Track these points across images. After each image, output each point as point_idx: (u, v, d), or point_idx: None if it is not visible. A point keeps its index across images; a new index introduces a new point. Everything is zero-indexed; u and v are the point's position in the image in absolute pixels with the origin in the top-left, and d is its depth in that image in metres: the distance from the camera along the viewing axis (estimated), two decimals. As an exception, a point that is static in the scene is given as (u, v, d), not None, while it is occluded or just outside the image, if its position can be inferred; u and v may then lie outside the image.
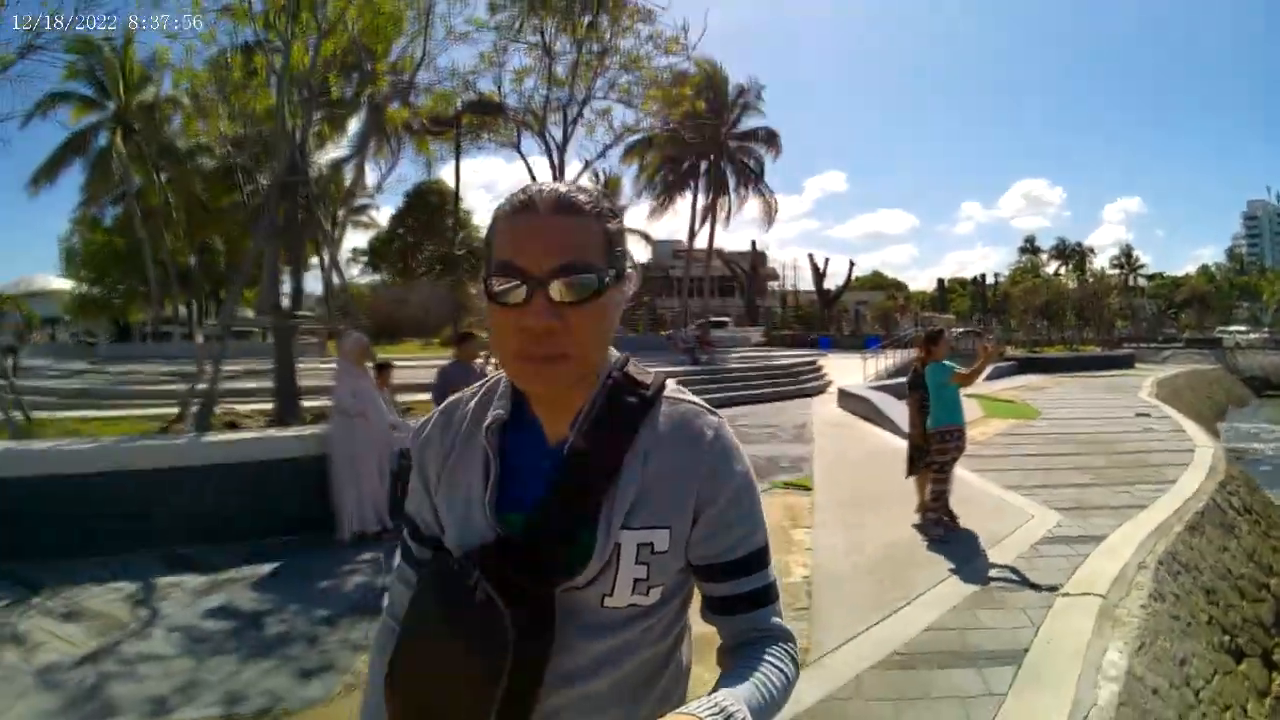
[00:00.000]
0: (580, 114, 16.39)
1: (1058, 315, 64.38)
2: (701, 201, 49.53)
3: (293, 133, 12.77)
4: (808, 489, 11.35)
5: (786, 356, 36.56)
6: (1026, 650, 5.68)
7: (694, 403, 1.58)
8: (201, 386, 11.35)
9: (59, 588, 7.52)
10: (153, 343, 37.29)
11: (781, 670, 1.43)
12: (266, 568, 8.21)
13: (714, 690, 1.33)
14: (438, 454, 1.62)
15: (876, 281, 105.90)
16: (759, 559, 1.55)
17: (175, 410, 11.86)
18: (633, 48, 16.41)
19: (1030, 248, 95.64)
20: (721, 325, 52.87)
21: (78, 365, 27.75)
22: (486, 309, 1.43)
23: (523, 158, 19.92)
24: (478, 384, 1.69)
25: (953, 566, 7.67)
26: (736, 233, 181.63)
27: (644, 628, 1.51)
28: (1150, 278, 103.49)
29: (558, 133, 16.70)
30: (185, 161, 38.24)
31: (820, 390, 28.37)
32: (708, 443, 1.51)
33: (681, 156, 42.77)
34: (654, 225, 59.01)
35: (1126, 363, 44.38)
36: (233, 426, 11.05)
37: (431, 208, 57.11)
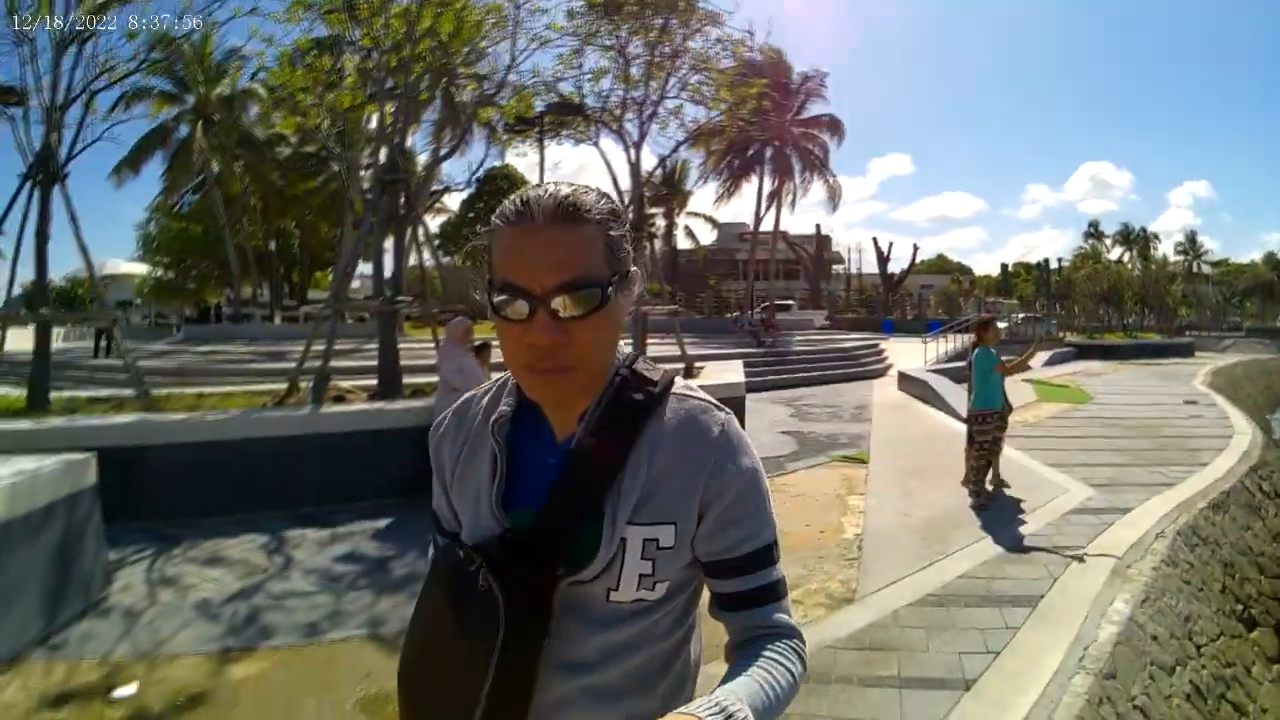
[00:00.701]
0: (655, 112, 17.24)
1: (1119, 302, 63.95)
2: (767, 187, 49.98)
3: (391, 136, 13.91)
4: (864, 462, 12.30)
5: (849, 339, 37.20)
6: (1042, 597, 6.57)
7: (702, 399, 1.60)
8: (313, 363, 12.48)
9: (198, 541, 8.49)
10: (230, 324, 38.36)
11: (786, 668, 1.45)
12: (383, 523, 9.21)
13: (717, 689, 1.36)
14: (452, 450, 1.66)
15: (941, 265, 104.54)
16: (766, 556, 1.56)
17: (280, 386, 12.98)
18: (702, 48, 17.26)
19: (1094, 232, 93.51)
20: (786, 309, 52.18)
21: (158, 346, 28.76)
22: (493, 318, 1.46)
23: (601, 154, 20.78)
24: (490, 382, 1.73)
25: (989, 529, 8.57)
26: (802, 216, 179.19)
27: (651, 621, 1.53)
28: (1216, 264, 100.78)
29: (633, 129, 17.51)
30: (264, 151, 39.36)
31: (881, 373, 29.13)
32: (714, 438, 1.53)
33: (747, 143, 43.16)
34: (720, 209, 58.99)
35: (1186, 351, 44.42)
36: (340, 400, 12.04)
37: (501, 193, 56.50)
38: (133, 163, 38.60)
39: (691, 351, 19.87)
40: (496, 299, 1.39)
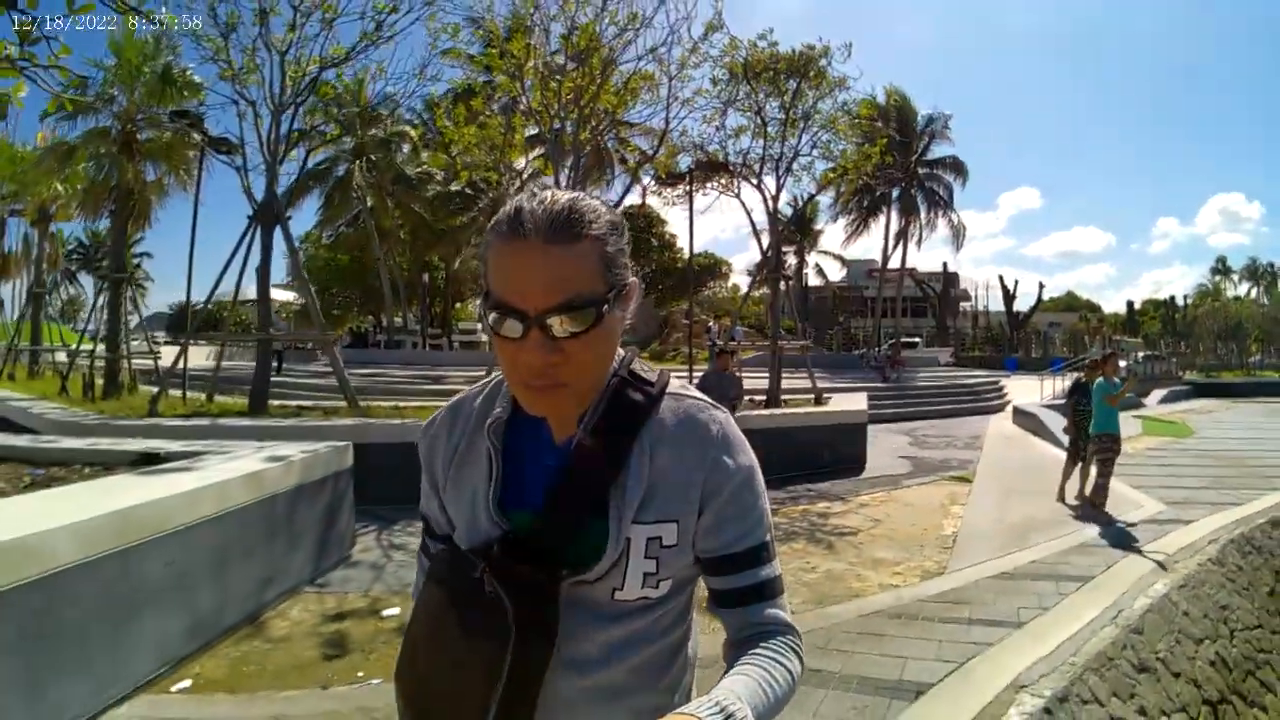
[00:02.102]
0: (790, 168, 19.23)
1: (1240, 339, 63.33)
2: (894, 225, 51.50)
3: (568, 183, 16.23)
4: (969, 481, 14.13)
5: (971, 377, 38.51)
6: (1094, 577, 8.29)
7: (698, 399, 1.61)
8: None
9: (413, 520, 10.39)
10: (383, 350, 40.83)
11: (785, 666, 1.47)
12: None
13: (715, 687, 1.35)
14: (445, 453, 1.65)
15: (1070, 303, 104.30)
16: (762, 552, 1.57)
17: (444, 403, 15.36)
18: (831, 109, 19.22)
19: (1221, 268, 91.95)
20: (912, 346, 54.11)
21: (317, 367, 31.04)
22: (489, 333, 1.44)
23: (742, 204, 22.69)
24: (482, 383, 1.72)
25: (1063, 532, 10.30)
26: (930, 253, 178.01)
27: (653, 618, 1.55)
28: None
29: (770, 182, 19.51)
30: (417, 188, 42.17)
31: (1000, 408, 30.28)
32: (713, 436, 1.55)
33: (874, 185, 44.86)
34: (849, 248, 60.48)
35: None
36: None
37: (636, 230, 58.18)
38: (293, 198, 41.63)
39: (820, 385, 22.08)
40: (490, 317, 1.38)
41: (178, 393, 17.64)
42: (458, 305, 58.11)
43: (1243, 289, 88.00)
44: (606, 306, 1.39)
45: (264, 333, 16.22)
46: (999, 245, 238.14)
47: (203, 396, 17.56)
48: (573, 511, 1.49)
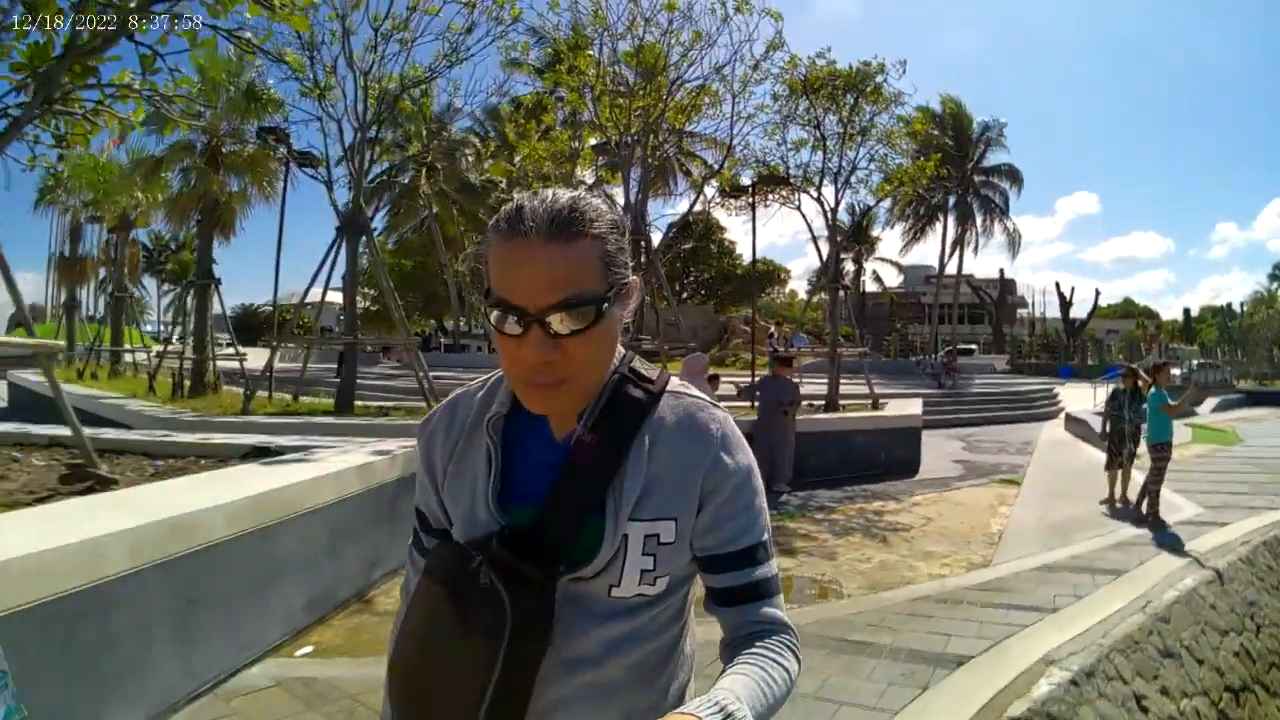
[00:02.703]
0: (848, 181, 20.02)
1: None
2: (950, 233, 51.97)
3: (636, 202, 17.12)
4: (1018, 484, 14.79)
5: (1026, 384, 38.77)
6: (1127, 571, 8.98)
7: (698, 397, 1.64)
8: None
9: None
10: (446, 353, 41.83)
11: (781, 665, 1.49)
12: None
13: (713, 687, 1.36)
14: (444, 448, 1.67)
15: (1127, 310, 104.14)
16: (759, 551, 1.59)
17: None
18: (888, 122, 19.98)
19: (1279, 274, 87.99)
20: (968, 353, 54.73)
21: (383, 369, 32.03)
22: (490, 330, 1.47)
23: (802, 215, 23.57)
24: (482, 379, 1.73)
25: (1103, 531, 11.03)
26: (987, 260, 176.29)
27: (650, 615, 1.57)
28: None
29: (828, 193, 20.32)
30: (482, 195, 43.17)
31: (1053, 415, 30.71)
32: (712, 434, 1.57)
33: (930, 193, 45.32)
34: (906, 255, 60.91)
35: None
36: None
37: (695, 237, 59.65)
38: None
39: (877, 390, 22.83)
40: (492, 314, 1.40)
41: (263, 392, 18.61)
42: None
43: None
44: (606, 305, 1.42)
45: (350, 336, 17.23)
46: (1056, 251, 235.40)
47: (288, 396, 18.59)
48: (572, 507, 1.51)
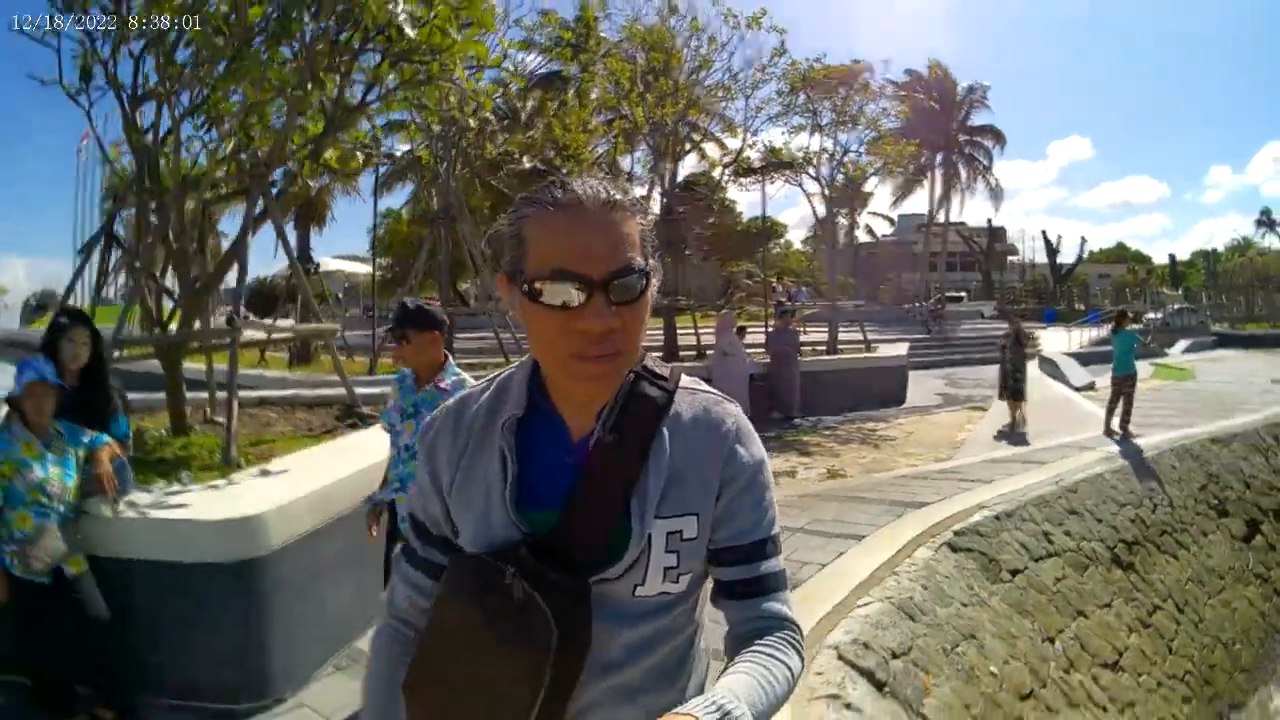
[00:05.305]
0: (841, 162, 23.45)
1: (1265, 291, 65.21)
2: (938, 190, 55.08)
3: (665, 179, 20.45)
4: (984, 410, 18.38)
5: (1008, 328, 41.60)
6: (1050, 462, 12.19)
7: (712, 393, 1.66)
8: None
9: None
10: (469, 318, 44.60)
11: (784, 662, 1.50)
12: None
13: (714, 687, 1.38)
14: (450, 453, 1.64)
15: (1119, 254, 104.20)
16: (769, 545, 1.62)
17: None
18: (875, 112, 23.38)
19: (1265, 220, 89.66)
20: (957, 300, 57.26)
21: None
22: (523, 308, 1.47)
23: (803, 191, 26.46)
24: (485, 380, 1.74)
25: (1046, 441, 14.34)
26: (980, 206, 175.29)
27: (672, 615, 1.59)
28: None
29: (825, 171, 23.93)
30: (501, 166, 45.73)
31: (1032, 357, 33.79)
32: (727, 429, 1.60)
33: (919, 150, 47.49)
34: (896, 210, 63.72)
35: None
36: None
37: (695, 199, 60.75)
38: (388, 184, 45.56)
39: (871, 336, 27.03)
40: (546, 285, 1.40)
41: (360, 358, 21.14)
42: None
43: None
44: (650, 276, 1.47)
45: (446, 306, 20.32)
46: (1051, 196, 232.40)
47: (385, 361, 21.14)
48: (596, 509, 1.51)
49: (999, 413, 17.11)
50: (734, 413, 1.65)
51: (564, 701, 1.46)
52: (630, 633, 1.54)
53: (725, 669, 1.48)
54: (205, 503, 5.34)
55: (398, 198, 50.51)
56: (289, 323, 16.02)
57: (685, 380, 1.67)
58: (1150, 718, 8.93)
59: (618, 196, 1.46)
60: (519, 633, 1.42)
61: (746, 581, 1.60)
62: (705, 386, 1.68)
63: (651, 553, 1.52)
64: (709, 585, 1.68)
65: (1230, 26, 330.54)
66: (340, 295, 58.82)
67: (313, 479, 5.82)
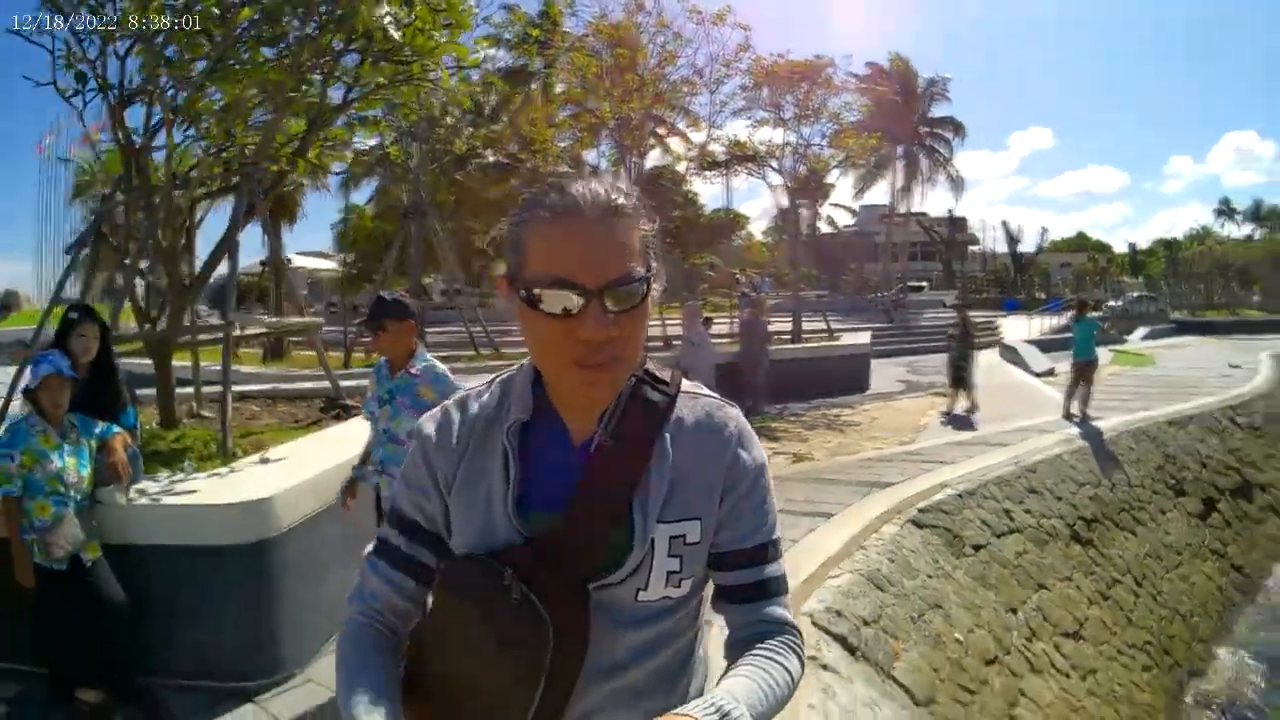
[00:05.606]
0: (804, 155, 23.71)
1: (1225, 280, 65.90)
2: (899, 181, 55.62)
3: (630, 174, 20.65)
4: (946, 395, 18.30)
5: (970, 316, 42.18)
6: (1010, 445, 12.56)
7: (713, 397, 1.64)
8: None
9: None
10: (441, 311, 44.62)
11: (784, 666, 1.50)
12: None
13: (714, 689, 1.39)
14: (449, 453, 1.60)
15: (1080, 243, 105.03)
16: (770, 549, 1.60)
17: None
18: (837, 106, 23.50)
19: (1225, 209, 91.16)
20: (919, 290, 57.95)
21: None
22: (522, 314, 1.45)
23: (766, 183, 26.83)
24: (485, 382, 1.70)
25: (1006, 425, 14.65)
26: (942, 197, 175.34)
27: (673, 620, 1.57)
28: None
29: (790, 164, 24.13)
30: (466, 161, 45.82)
31: (993, 345, 34.10)
32: (730, 433, 1.58)
33: (880, 143, 47.78)
34: (858, 202, 64.16)
35: None
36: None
37: (664, 190, 60.92)
38: (356, 179, 45.68)
39: (834, 326, 27.50)
40: (542, 292, 1.38)
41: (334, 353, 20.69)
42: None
43: (1245, 231, 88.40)
44: (651, 283, 1.44)
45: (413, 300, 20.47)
46: (1012, 185, 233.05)
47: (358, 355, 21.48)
48: (598, 513, 1.49)
49: (962, 399, 17.38)
50: (735, 416, 1.63)
51: (562, 702, 1.45)
52: (634, 636, 1.52)
53: (725, 672, 1.49)
54: (213, 489, 5.53)
55: (362, 194, 50.54)
56: (273, 319, 16.03)
57: (686, 384, 1.64)
58: (1111, 684, 9.24)
59: (619, 201, 1.43)
60: (516, 637, 1.41)
61: (748, 586, 1.59)
62: (706, 391, 1.66)
63: (654, 557, 1.50)
64: (709, 589, 1.67)
65: (1193, 18, 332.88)
66: (304, 291, 58.83)
67: (309, 466, 6.02)
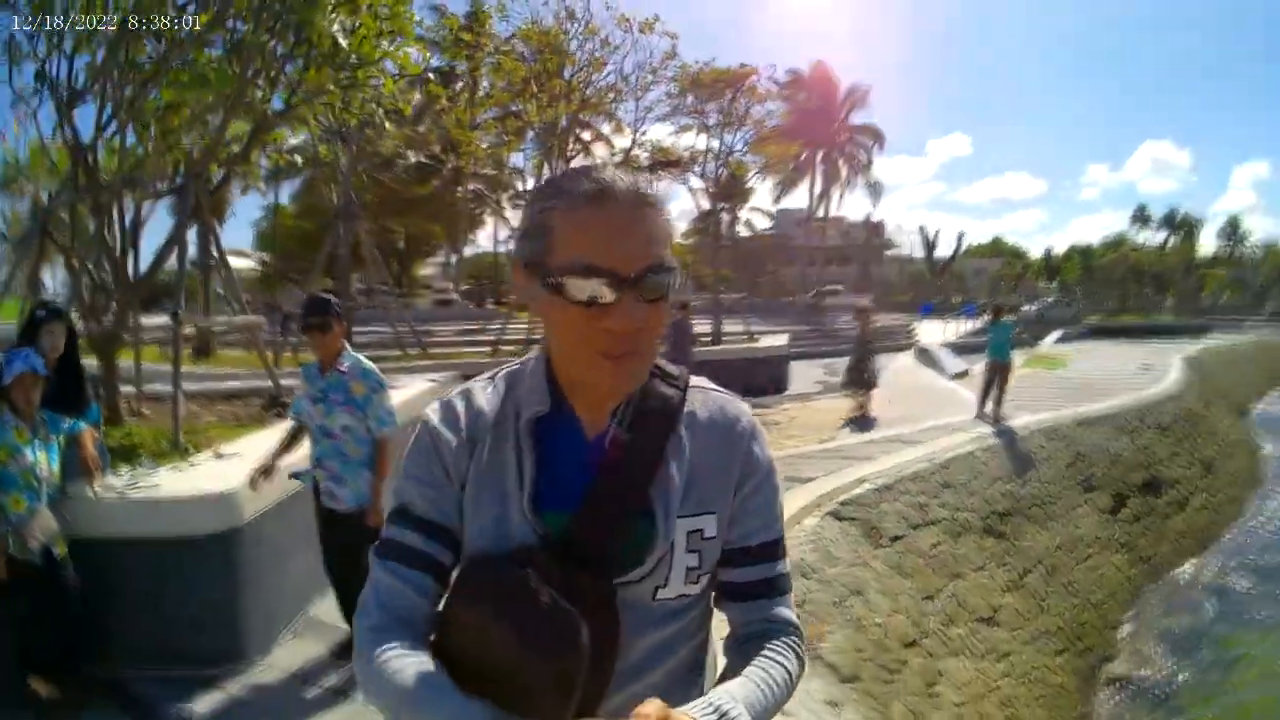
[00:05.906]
0: (726, 162, 24.04)
1: (1138, 286, 67.48)
2: (818, 186, 56.28)
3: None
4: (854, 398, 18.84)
5: (886, 320, 42.75)
6: (923, 443, 12.80)
7: (723, 391, 1.63)
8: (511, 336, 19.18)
9: None
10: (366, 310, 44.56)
11: (784, 666, 1.48)
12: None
13: (713, 689, 1.38)
14: (457, 449, 1.53)
15: (996, 249, 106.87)
16: (776, 548, 1.59)
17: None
18: (760, 114, 23.98)
19: (1141, 216, 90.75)
20: (835, 293, 57.55)
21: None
22: (544, 302, 1.40)
23: (688, 187, 27.13)
24: (488, 375, 1.65)
25: (919, 425, 14.93)
26: (862, 201, 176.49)
27: (688, 620, 1.56)
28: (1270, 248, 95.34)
29: (712, 168, 24.55)
30: (391, 164, 45.68)
31: (909, 347, 34.66)
32: (743, 427, 1.57)
33: (800, 150, 48.10)
34: (778, 205, 64.83)
35: (1198, 332, 45.91)
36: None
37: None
38: (277, 176, 45.32)
39: (754, 328, 27.91)
40: (572, 280, 1.33)
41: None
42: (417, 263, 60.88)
43: (1159, 238, 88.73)
44: (673, 278, 1.38)
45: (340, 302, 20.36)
46: (931, 190, 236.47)
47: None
48: (617, 509, 1.46)
49: (878, 401, 17.57)
50: (746, 411, 1.61)
51: (594, 709, 1.36)
52: (654, 635, 1.50)
53: (724, 671, 1.50)
54: (175, 483, 5.78)
55: (284, 192, 50.13)
56: (221, 319, 16.00)
57: (694, 379, 1.61)
58: (1026, 666, 9.53)
59: (648, 191, 1.39)
60: (548, 641, 1.32)
61: (757, 583, 1.57)
62: (714, 385, 1.64)
63: (674, 553, 1.47)
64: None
65: (1112, 29, 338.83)
66: (221, 290, 57.49)
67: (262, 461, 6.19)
